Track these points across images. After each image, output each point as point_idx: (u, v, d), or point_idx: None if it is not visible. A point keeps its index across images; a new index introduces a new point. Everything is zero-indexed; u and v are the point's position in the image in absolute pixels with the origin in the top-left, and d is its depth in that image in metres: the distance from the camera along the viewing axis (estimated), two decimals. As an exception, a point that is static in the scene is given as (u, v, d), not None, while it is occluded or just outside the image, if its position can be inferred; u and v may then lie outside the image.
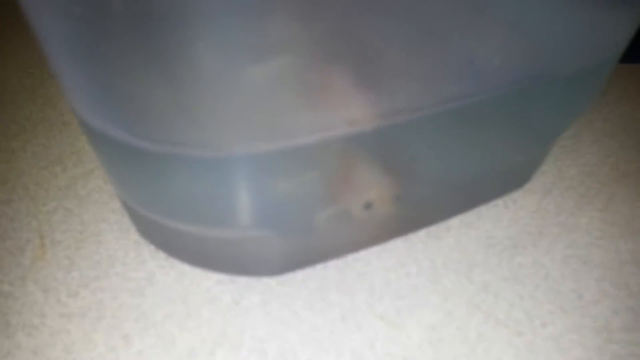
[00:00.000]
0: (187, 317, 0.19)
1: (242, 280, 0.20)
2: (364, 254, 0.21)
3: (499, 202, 0.23)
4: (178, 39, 0.13)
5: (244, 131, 0.15)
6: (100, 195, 0.23)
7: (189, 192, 0.18)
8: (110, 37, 0.13)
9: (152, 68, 0.14)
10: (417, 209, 0.21)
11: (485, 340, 0.18)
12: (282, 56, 0.13)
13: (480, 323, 0.19)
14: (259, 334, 0.18)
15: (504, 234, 0.22)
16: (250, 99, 0.14)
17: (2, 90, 0.29)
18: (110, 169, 0.19)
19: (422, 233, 0.22)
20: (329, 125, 0.16)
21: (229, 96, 0.14)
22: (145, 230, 0.21)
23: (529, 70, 0.19)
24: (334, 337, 0.18)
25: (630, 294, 0.20)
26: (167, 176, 0.17)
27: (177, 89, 0.14)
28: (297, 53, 0.13)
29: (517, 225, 0.22)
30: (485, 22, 0.16)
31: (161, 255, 0.21)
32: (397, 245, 0.21)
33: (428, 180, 0.21)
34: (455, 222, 0.22)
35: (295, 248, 0.20)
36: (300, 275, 0.20)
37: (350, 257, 0.21)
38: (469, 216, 0.22)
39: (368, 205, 0.19)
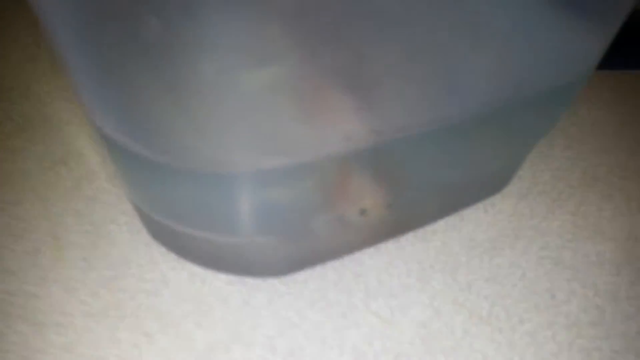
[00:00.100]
0: (202, 316, 0.20)
1: (250, 281, 0.21)
2: (358, 255, 0.23)
3: (480, 206, 0.25)
4: (193, 70, 0.14)
5: (249, 150, 0.17)
6: (108, 196, 0.25)
7: (199, 203, 0.19)
8: (133, 60, 0.14)
9: (169, 93, 0.15)
10: (406, 214, 0.23)
11: (469, 336, 0.20)
12: (284, 81, 0.15)
13: (465, 320, 0.21)
14: (269, 331, 0.20)
15: (484, 236, 0.24)
16: (254, 123, 0.16)
17: (-1, 85, 0.30)
18: (125, 177, 0.20)
19: (410, 235, 0.24)
20: (327, 142, 0.18)
21: (236, 121, 0.16)
22: (157, 232, 0.22)
23: (509, 91, 0.21)
24: (335, 334, 0.20)
25: (597, 293, 0.22)
26: (180, 188, 0.18)
27: (192, 114, 0.16)
28: (299, 77, 0.15)
29: (495, 228, 0.25)
30: (471, 51, 0.18)
31: (172, 257, 0.22)
32: (389, 247, 0.23)
33: (416, 188, 0.23)
34: (440, 225, 0.24)
35: (297, 251, 0.22)
36: (301, 276, 0.22)
37: (347, 259, 0.23)
38: (453, 219, 0.25)
39: (362, 212, 0.21)
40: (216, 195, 0.18)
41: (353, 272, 0.22)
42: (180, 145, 0.17)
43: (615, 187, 0.27)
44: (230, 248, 0.21)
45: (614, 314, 0.22)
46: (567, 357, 0.20)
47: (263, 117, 0.16)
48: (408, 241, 0.23)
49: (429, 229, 0.24)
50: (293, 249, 0.22)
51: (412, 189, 0.22)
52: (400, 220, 0.23)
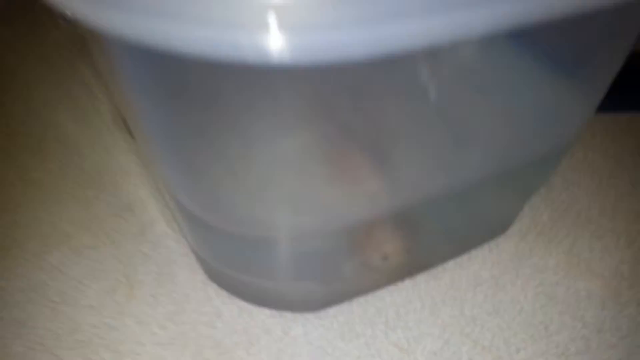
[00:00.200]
0: (250, 345, 0.25)
1: (289, 315, 0.26)
2: (380, 293, 0.27)
3: (485, 246, 0.29)
4: (246, 157, 0.19)
5: (288, 217, 0.21)
6: (168, 240, 0.29)
7: (248, 256, 0.24)
8: (205, 151, 0.19)
9: (229, 175, 0.20)
10: (421, 257, 0.28)
11: (461, 353, 0.25)
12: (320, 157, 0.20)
13: (470, 349, 0.25)
14: (305, 359, 0.25)
15: (489, 274, 0.28)
16: (294, 199, 0.20)
17: (65, 140, 0.35)
18: (190, 233, 0.25)
19: (424, 274, 0.28)
20: (355, 205, 0.22)
21: (284, 199, 0.20)
22: (212, 274, 0.27)
23: (515, 158, 0.25)
24: (362, 357, 0.25)
25: (585, 325, 0.26)
26: (234, 245, 0.23)
27: (244, 191, 0.20)
28: (332, 149, 0.20)
29: (498, 266, 0.29)
30: (483, 125, 0.22)
31: (224, 293, 0.27)
32: (406, 285, 0.27)
33: (431, 236, 0.27)
34: (450, 264, 0.29)
35: (329, 291, 0.26)
36: (332, 310, 0.26)
37: (370, 295, 0.27)
38: (461, 259, 0.29)
39: (385, 257, 0.25)
40: (262, 251, 0.23)
41: (375, 307, 0.27)
42: (236, 215, 0.21)
43: (605, 228, 0.31)
44: (273, 289, 0.26)
45: (599, 344, 0.26)
46: (554, 382, 0.24)
47: (300, 186, 0.20)
48: (422, 279, 0.28)
49: (440, 267, 0.28)
50: (325, 289, 0.26)
51: (427, 237, 0.27)
52: (416, 262, 0.28)
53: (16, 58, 0.40)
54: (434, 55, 0.14)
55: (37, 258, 0.28)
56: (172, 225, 0.30)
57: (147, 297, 0.26)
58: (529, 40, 0.17)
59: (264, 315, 0.26)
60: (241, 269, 0.25)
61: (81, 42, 0.35)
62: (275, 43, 0.09)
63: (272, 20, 0.09)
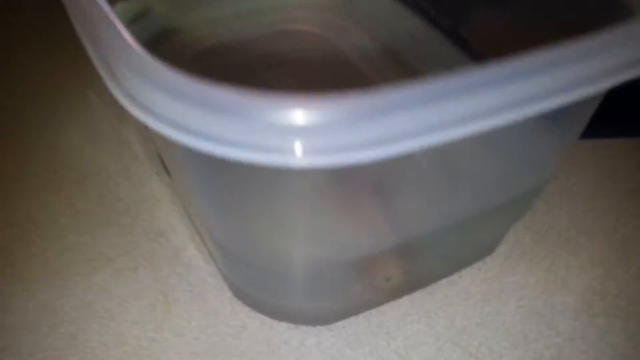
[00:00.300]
0: (271, 353, 0.29)
1: (304, 328, 0.30)
2: (383, 308, 0.31)
3: (474, 266, 0.34)
4: (270, 206, 0.23)
5: (308, 255, 0.26)
6: (198, 262, 0.34)
7: (271, 283, 0.28)
8: (240, 203, 0.24)
9: (256, 222, 0.24)
10: (419, 277, 0.32)
11: (455, 358, 0.29)
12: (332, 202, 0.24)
13: (459, 356, 0.30)
14: None
15: (477, 290, 0.33)
16: (310, 238, 0.25)
17: (102, 171, 0.40)
18: (223, 262, 0.30)
19: (421, 291, 0.32)
20: (366, 244, 0.27)
21: (301, 240, 0.25)
22: (238, 293, 0.32)
23: (504, 196, 0.29)
24: None
25: (558, 334, 0.31)
26: (261, 274, 0.28)
27: (272, 238, 0.25)
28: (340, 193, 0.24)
29: (485, 283, 0.33)
30: (480, 172, 0.26)
31: (248, 309, 0.31)
32: (405, 301, 0.32)
33: (427, 261, 0.31)
34: (443, 281, 0.33)
35: (338, 307, 0.31)
36: (341, 323, 0.31)
37: (374, 310, 0.31)
38: (453, 277, 0.33)
39: (387, 279, 0.30)
40: (281, 278, 0.28)
41: (379, 320, 0.31)
42: (260, 251, 0.26)
43: (581, 248, 0.35)
44: (290, 306, 0.30)
45: (571, 351, 0.30)
46: (530, 383, 0.28)
47: (314, 228, 0.25)
48: (419, 295, 0.32)
49: (435, 285, 0.33)
50: (336, 306, 0.31)
51: (424, 261, 0.31)
52: (414, 281, 0.32)
53: (56, 96, 0.45)
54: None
55: (85, 279, 0.33)
56: (201, 249, 0.34)
57: (182, 312, 0.31)
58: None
59: (282, 328, 0.30)
60: (263, 291, 0.29)
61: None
62: (297, 158, 0.14)
63: (295, 141, 0.14)
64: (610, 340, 0.30)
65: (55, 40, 0.51)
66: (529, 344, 0.30)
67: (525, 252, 0.34)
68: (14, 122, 0.43)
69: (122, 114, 0.43)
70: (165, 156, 0.30)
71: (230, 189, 0.22)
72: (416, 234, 0.28)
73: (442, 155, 0.24)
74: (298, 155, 0.14)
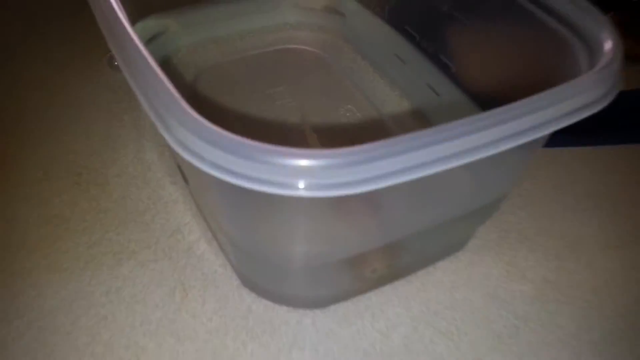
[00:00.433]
0: (274, 331, 0.35)
1: (301, 310, 0.36)
2: (368, 294, 0.37)
3: (447, 259, 0.40)
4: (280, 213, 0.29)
5: (311, 258, 0.31)
6: (210, 255, 0.39)
7: (275, 273, 0.34)
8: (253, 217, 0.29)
9: (267, 229, 0.30)
10: (400, 269, 0.38)
11: (433, 343, 0.35)
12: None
13: (432, 333, 0.35)
14: (313, 340, 0.35)
15: (449, 279, 0.39)
16: (310, 240, 0.30)
17: (124, 175, 0.45)
18: (234, 256, 0.35)
19: (401, 280, 0.38)
20: (356, 245, 0.32)
21: (302, 241, 0.30)
22: (245, 281, 0.37)
23: (475, 204, 0.35)
24: (352, 342, 0.35)
25: (516, 317, 0.36)
26: (266, 267, 0.33)
27: (277, 238, 0.30)
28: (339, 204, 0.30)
29: (456, 274, 0.39)
30: (458, 186, 0.32)
31: (253, 295, 0.37)
32: (387, 288, 0.38)
33: (407, 256, 0.37)
34: (420, 272, 0.39)
35: (332, 294, 0.37)
36: (333, 307, 0.36)
37: (361, 296, 0.37)
38: (428, 269, 0.39)
39: (374, 271, 0.36)
40: (285, 272, 0.33)
41: (365, 305, 0.37)
42: (267, 247, 0.31)
43: (539, 244, 0.41)
44: (290, 293, 0.36)
45: (525, 330, 0.36)
46: (492, 355, 0.34)
47: (313, 232, 0.31)
48: (399, 284, 0.38)
49: (413, 275, 0.38)
50: (329, 293, 0.36)
51: (405, 256, 0.37)
52: (396, 272, 0.38)
53: (77, 105, 0.50)
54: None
55: (112, 269, 0.38)
56: (212, 244, 0.40)
57: (197, 297, 0.37)
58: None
59: (283, 311, 0.36)
60: (267, 280, 0.35)
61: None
62: (300, 191, 0.20)
63: (299, 179, 0.20)
64: (559, 322, 0.36)
65: (79, 53, 0.57)
66: (490, 324, 0.36)
67: (490, 248, 0.40)
68: (39, 128, 0.48)
69: (140, 127, 0.49)
70: (189, 173, 0.35)
71: (246, 204, 0.28)
72: (399, 236, 0.34)
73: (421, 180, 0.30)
74: (301, 188, 0.21)
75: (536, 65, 0.36)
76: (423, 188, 0.30)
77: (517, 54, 0.38)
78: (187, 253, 0.39)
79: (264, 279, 0.35)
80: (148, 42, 0.49)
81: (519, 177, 0.36)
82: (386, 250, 0.35)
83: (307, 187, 0.21)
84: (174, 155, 0.40)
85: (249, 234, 0.32)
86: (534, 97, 0.24)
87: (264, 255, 0.33)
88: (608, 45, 0.28)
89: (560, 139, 0.48)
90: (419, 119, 0.47)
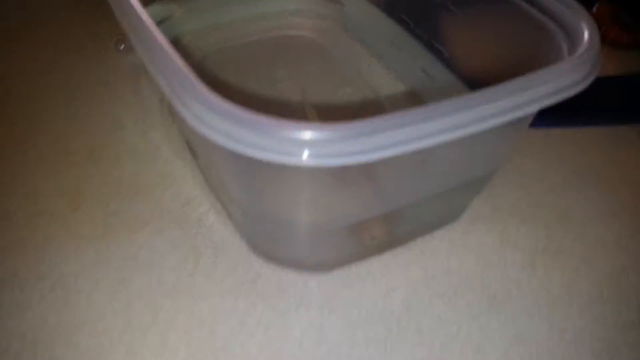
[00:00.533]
0: (282, 292, 0.37)
1: (307, 274, 0.38)
2: (370, 260, 0.40)
3: (443, 229, 0.42)
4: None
5: (312, 220, 0.34)
6: (219, 225, 0.42)
7: (282, 239, 0.36)
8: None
9: (274, 197, 0.32)
10: (398, 237, 0.40)
11: (432, 303, 0.37)
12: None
13: (430, 295, 0.38)
14: (318, 299, 0.37)
15: (445, 247, 0.41)
16: (313, 206, 0.33)
17: (136, 151, 0.47)
18: (243, 223, 0.38)
19: (400, 247, 0.41)
20: (357, 212, 0.35)
21: (306, 206, 0.33)
22: (254, 247, 0.39)
23: (467, 177, 0.37)
24: (353, 300, 0.37)
25: (509, 281, 0.39)
26: (273, 233, 0.36)
27: (282, 203, 0.33)
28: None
29: (452, 242, 0.41)
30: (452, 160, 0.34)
31: (261, 260, 0.39)
32: (387, 255, 0.40)
33: (406, 224, 0.40)
34: (418, 240, 0.41)
35: (335, 259, 0.39)
36: (337, 271, 0.39)
37: (363, 262, 0.40)
38: (426, 237, 0.41)
39: (373, 238, 0.38)
40: (291, 238, 0.36)
41: (366, 269, 0.39)
42: (273, 214, 0.34)
43: (530, 216, 0.44)
44: (296, 258, 0.38)
45: (517, 292, 0.38)
46: (487, 315, 0.37)
47: (317, 198, 0.33)
48: (399, 251, 0.40)
49: (412, 243, 0.41)
50: (332, 258, 0.39)
51: (403, 224, 0.39)
52: (395, 240, 0.40)
53: (88, 85, 0.53)
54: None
55: (128, 237, 0.40)
56: (221, 215, 0.42)
57: (208, 263, 0.39)
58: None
59: (290, 274, 0.38)
60: (274, 246, 0.37)
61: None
62: (304, 161, 0.23)
63: (304, 149, 0.23)
64: (547, 286, 0.39)
65: (87, 39, 0.59)
66: (485, 288, 0.38)
67: (484, 218, 0.43)
68: (51, 108, 0.50)
69: (147, 108, 0.51)
70: (200, 148, 0.38)
71: (254, 173, 0.30)
72: (398, 205, 0.36)
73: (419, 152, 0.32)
74: (305, 159, 0.23)
75: (521, 51, 0.39)
76: (418, 161, 0.32)
77: (504, 41, 0.41)
78: (197, 223, 0.41)
79: (271, 244, 0.38)
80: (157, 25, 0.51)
81: (509, 154, 0.38)
82: (385, 219, 0.37)
83: (311, 157, 0.23)
84: (183, 133, 0.43)
85: (257, 201, 0.34)
86: (519, 79, 0.27)
87: (271, 221, 0.35)
88: (586, 34, 0.31)
89: (548, 119, 0.51)
90: (414, 100, 0.50)
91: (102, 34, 0.58)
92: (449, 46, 0.45)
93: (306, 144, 0.23)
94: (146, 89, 0.53)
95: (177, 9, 0.56)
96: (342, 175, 0.31)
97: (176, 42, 0.55)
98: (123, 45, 0.57)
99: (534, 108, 0.27)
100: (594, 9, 0.62)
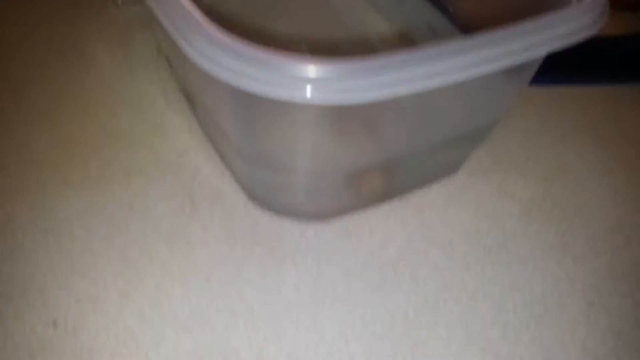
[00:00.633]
0: (280, 240, 0.37)
1: (305, 223, 0.38)
2: (367, 211, 0.40)
3: (441, 182, 0.42)
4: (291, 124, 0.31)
5: (309, 167, 0.33)
6: (216, 174, 0.41)
7: (281, 186, 0.36)
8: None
9: (273, 138, 0.32)
10: (397, 188, 0.40)
11: (428, 253, 0.37)
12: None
13: (425, 245, 0.38)
14: (315, 249, 0.37)
15: (443, 199, 0.41)
16: (311, 152, 0.32)
17: (132, 101, 0.47)
18: (242, 170, 0.37)
19: (397, 199, 0.40)
20: (354, 160, 0.34)
21: (304, 152, 0.32)
22: (252, 196, 0.39)
23: (467, 127, 0.37)
24: (353, 251, 0.37)
25: (504, 232, 0.39)
26: (273, 179, 0.35)
27: (283, 149, 0.32)
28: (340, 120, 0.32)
29: (450, 194, 0.41)
30: (450, 108, 0.34)
31: (259, 209, 0.39)
32: (385, 206, 0.40)
33: (404, 176, 0.39)
34: (415, 192, 0.41)
35: (333, 208, 0.39)
36: (334, 221, 0.39)
37: (361, 212, 0.39)
38: (423, 190, 0.41)
39: (372, 189, 0.38)
40: (290, 184, 0.35)
41: (364, 220, 0.39)
42: (273, 159, 0.33)
43: (529, 170, 0.43)
44: (294, 206, 0.38)
45: (513, 243, 0.38)
46: (482, 264, 0.37)
47: (315, 144, 0.33)
48: (396, 203, 0.40)
49: (410, 195, 0.41)
50: (329, 207, 0.39)
51: (401, 176, 0.39)
52: (393, 191, 0.40)
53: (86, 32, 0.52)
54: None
55: (122, 185, 0.40)
56: (219, 165, 0.42)
57: (205, 211, 0.39)
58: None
59: (287, 223, 0.38)
60: (273, 193, 0.37)
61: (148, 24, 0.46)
62: (307, 98, 0.22)
63: (307, 85, 0.22)
64: (543, 237, 0.39)
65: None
66: (481, 238, 0.38)
67: (483, 172, 0.42)
68: (47, 58, 0.49)
69: (144, 60, 0.50)
70: (201, 92, 0.37)
71: (256, 113, 0.30)
72: (395, 155, 0.36)
73: (417, 97, 0.32)
74: (308, 95, 0.23)
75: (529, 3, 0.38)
76: (417, 107, 0.32)
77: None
78: (194, 172, 0.41)
79: (269, 193, 0.37)
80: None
81: (509, 106, 0.37)
82: (383, 169, 0.37)
83: (314, 93, 0.23)
84: (181, 82, 0.42)
85: (257, 146, 0.33)
86: (529, 21, 0.26)
87: (270, 167, 0.35)
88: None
89: (551, 77, 0.51)
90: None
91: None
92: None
93: (310, 80, 0.22)
94: (142, 43, 0.52)
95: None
96: (340, 122, 0.31)
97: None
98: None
99: (541, 51, 0.26)
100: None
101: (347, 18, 0.53)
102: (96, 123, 0.44)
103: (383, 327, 0.33)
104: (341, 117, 0.31)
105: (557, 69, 0.52)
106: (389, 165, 0.37)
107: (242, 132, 0.32)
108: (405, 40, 0.50)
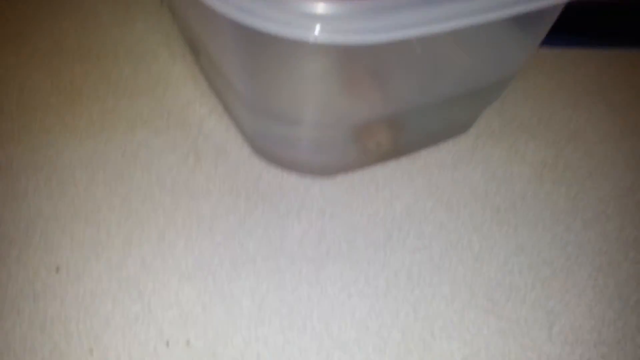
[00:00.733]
0: (284, 195, 0.37)
1: (310, 178, 0.38)
2: (374, 168, 0.39)
3: (450, 141, 0.41)
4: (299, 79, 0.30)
5: (316, 118, 0.33)
6: (221, 127, 0.40)
7: (286, 138, 0.35)
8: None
9: (279, 88, 0.31)
10: (405, 146, 0.39)
11: (435, 212, 0.37)
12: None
13: (432, 203, 0.37)
14: (320, 203, 0.37)
15: (451, 159, 0.40)
16: (318, 103, 0.32)
17: (134, 50, 0.45)
18: (247, 122, 0.36)
19: (405, 158, 0.40)
20: (361, 112, 0.33)
21: (311, 102, 0.31)
22: (256, 149, 0.38)
23: (477, 82, 0.36)
24: (358, 208, 0.37)
25: (514, 193, 0.38)
26: (278, 131, 0.35)
27: (289, 97, 0.31)
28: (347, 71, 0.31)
29: (458, 155, 0.40)
30: (458, 60, 0.33)
31: (264, 163, 0.38)
32: (391, 164, 0.39)
33: (412, 133, 0.38)
34: (423, 151, 0.40)
35: (338, 163, 0.38)
36: (340, 176, 0.38)
37: (366, 170, 0.39)
38: (432, 149, 0.40)
39: (378, 144, 0.37)
40: (294, 136, 0.34)
41: (370, 176, 0.38)
42: (280, 109, 0.32)
43: (540, 132, 0.42)
44: (299, 160, 0.37)
45: (522, 204, 0.38)
46: (490, 224, 0.36)
47: (322, 95, 0.32)
48: (403, 160, 0.39)
49: (417, 153, 0.40)
50: (335, 163, 0.38)
51: (409, 132, 0.38)
52: (400, 149, 0.39)
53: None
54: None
55: (127, 134, 0.39)
56: (223, 118, 0.41)
57: (209, 163, 0.38)
58: None
59: (292, 178, 0.38)
60: (278, 145, 0.36)
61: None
62: (315, 36, 0.21)
63: (315, 23, 0.21)
64: (553, 200, 0.38)
65: None
66: (489, 199, 0.38)
67: (493, 133, 0.42)
68: (49, 5, 0.48)
69: (146, 8, 0.49)
70: (205, 38, 0.36)
71: (263, 60, 0.29)
72: (403, 108, 0.35)
73: (426, 46, 0.31)
74: (316, 34, 0.22)
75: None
76: (426, 58, 0.31)
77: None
78: (199, 125, 0.40)
79: (274, 145, 0.37)
80: None
81: (519, 62, 0.36)
82: (390, 125, 0.36)
83: (323, 32, 0.22)
84: (185, 31, 0.41)
85: (263, 93, 0.32)
86: None
87: (275, 117, 0.34)
88: None
89: (564, 39, 0.49)
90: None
91: None
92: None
93: (319, 18, 0.21)
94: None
95: None
96: (349, 69, 0.30)
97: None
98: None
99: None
100: None
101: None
102: (99, 72, 0.43)
103: (386, 283, 0.33)
104: (349, 65, 0.30)
105: (570, 30, 0.50)
106: (396, 120, 0.36)
107: (247, 80, 0.31)
108: None
